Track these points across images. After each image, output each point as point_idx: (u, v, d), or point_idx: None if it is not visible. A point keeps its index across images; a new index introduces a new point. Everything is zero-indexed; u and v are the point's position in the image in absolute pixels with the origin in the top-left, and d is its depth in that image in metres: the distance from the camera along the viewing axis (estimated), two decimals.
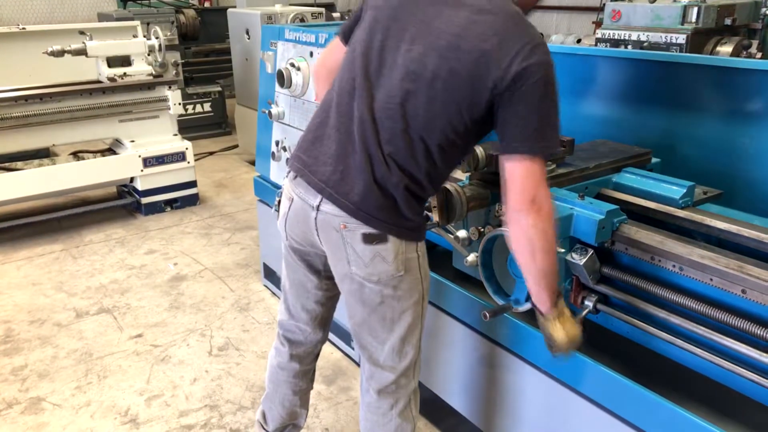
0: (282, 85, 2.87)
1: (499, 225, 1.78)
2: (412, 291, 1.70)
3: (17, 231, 4.48)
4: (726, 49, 3.87)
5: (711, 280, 1.50)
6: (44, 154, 4.86)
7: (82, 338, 3.20)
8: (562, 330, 1.63)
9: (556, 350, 1.67)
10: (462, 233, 1.90)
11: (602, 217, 1.65)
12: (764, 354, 1.42)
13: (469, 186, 1.85)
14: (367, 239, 1.61)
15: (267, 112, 3.09)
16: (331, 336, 3.08)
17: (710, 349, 1.55)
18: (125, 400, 2.73)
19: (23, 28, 4.69)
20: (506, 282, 1.86)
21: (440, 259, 2.26)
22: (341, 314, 2.96)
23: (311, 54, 2.74)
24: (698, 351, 1.56)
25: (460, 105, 1.51)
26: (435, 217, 1.81)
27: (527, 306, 1.72)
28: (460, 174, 1.95)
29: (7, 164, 4.39)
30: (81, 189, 4.62)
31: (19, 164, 4.46)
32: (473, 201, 1.80)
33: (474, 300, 2.05)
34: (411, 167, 1.57)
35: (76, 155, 4.69)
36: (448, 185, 1.77)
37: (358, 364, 2.91)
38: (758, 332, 1.41)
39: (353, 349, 2.90)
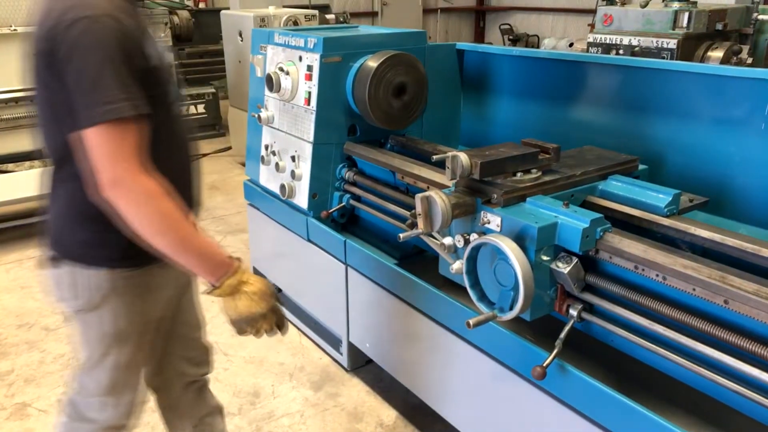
0: (271, 89, 2.86)
1: (484, 233, 1.78)
2: (99, 337, 1.59)
3: (7, 234, 4.45)
4: (717, 54, 3.87)
5: (694, 290, 1.50)
6: (36, 156, 4.83)
7: (70, 343, 3.18)
8: (231, 306, 1.52)
9: (235, 326, 1.55)
10: (447, 240, 1.90)
11: (586, 225, 1.64)
12: (745, 364, 1.42)
13: (454, 194, 1.84)
14: (47, 263, 1.56)
15: (256, 116, 3.07)
16: (318, 341, 3.07)
17: (692, 358, 1.54)
18: None
19: (14, 30, 4.67)
20: (491, 290, 1.85)
21: (428, 265, 2.25)
22: (327, 317, 2.96)
23: (300, 58, 2.73)
24: (680, 360, 1.56)
25: (53, 105, 1.39)
26: (420, 224, 1.81)
27: (512, 314, 1.72)
28: (446, 181, 1.94)
29: None
30: None
31: (11, 166, 4.45)
32: (458, 208, 1.79)
33: (459, 307, 2.05)
34: (66, 186, 1.49)
35: None
36: (434, 193, 1.77)
37: (347, 370, 2.90)
38: (739, 342, 1.41)
39: (341, 354, 2.89)
